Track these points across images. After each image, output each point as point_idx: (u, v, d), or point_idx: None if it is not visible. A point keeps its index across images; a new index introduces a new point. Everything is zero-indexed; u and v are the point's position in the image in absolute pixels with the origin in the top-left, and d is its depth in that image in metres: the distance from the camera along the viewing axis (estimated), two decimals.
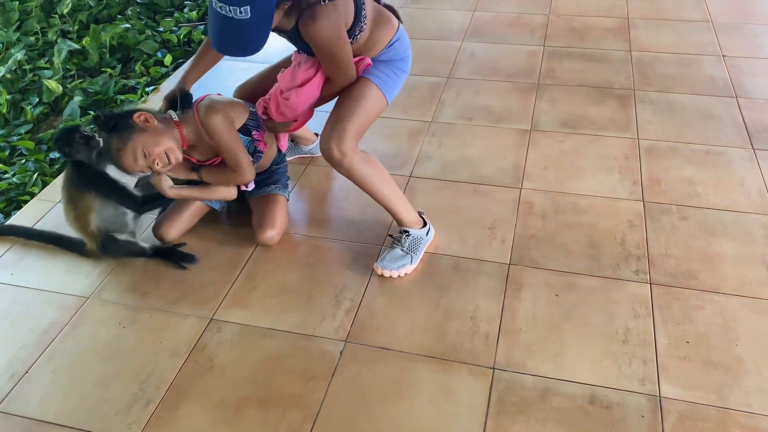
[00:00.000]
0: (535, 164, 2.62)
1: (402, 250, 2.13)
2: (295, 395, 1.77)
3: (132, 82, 3.48)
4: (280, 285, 2.12)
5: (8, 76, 3.46)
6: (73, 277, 2.18)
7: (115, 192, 2.18)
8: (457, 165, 2.63)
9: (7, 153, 2.98)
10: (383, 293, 2.08)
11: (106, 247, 2.18)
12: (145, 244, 2.24)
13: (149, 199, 2.24)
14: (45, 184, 2.68)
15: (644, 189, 2.45)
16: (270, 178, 2.35)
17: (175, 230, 2.26)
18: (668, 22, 3.73)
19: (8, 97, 3.31)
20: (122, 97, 3.31)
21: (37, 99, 3.38)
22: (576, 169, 2.58)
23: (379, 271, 2.11)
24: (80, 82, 3.49)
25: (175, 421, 1.72)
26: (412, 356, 1.87)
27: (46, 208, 2.51)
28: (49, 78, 3.45)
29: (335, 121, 2.01)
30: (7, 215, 2.56)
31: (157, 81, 3.49)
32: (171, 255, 2.22)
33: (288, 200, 2.36)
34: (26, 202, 2.58)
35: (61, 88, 3.35)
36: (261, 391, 1.79)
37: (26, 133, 3.17)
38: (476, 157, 2.67)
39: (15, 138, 3.09)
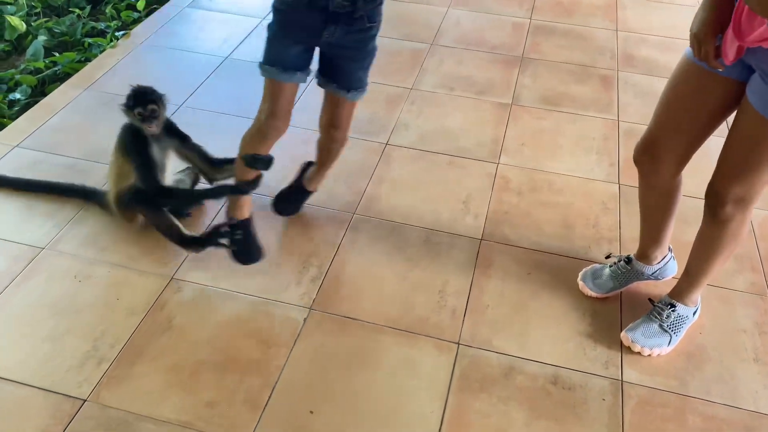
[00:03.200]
0: (513, 139, 2.57)
1: (661, 326, 1.78)
2: (255, 361, 1.72)
3: (101, 25, 3.31)
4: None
5: None
6: (27, 227, 2.08)
7: (137, 168, 1.96)
8: (435, 135, 2.57)
9: None
10: (351, 263, 2.03)
11: (129, 205, 2.01)
12: (186, 231, 2.01)
13: (168, 193, 2.01)
14: (2, 126, 2.55)
15: (621, 171, 2.43)
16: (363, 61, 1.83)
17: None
18: (658, 3, 3.68)
19: None
20: (90, 40, 3.15)
21: None
22: (554, 148, 2.54)
23: (628, 343, 1.78)
24: (45, 21, 3.31)
25: (129, 381, 1.66)
26: (378, 327, 1.83)
27: (3, 151, 2.38)
28: (12, 14, 3.26)
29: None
30: None
31: (128, 26, 3.32)
32: (202, 242, 2.01)
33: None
34: None
35: (24, 26, 3.16)
36: (219, 355, 1.73)
37: None
38: (455, 129, 2.62)
39: None
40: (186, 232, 2.00)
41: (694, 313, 1.84)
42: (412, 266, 2.02)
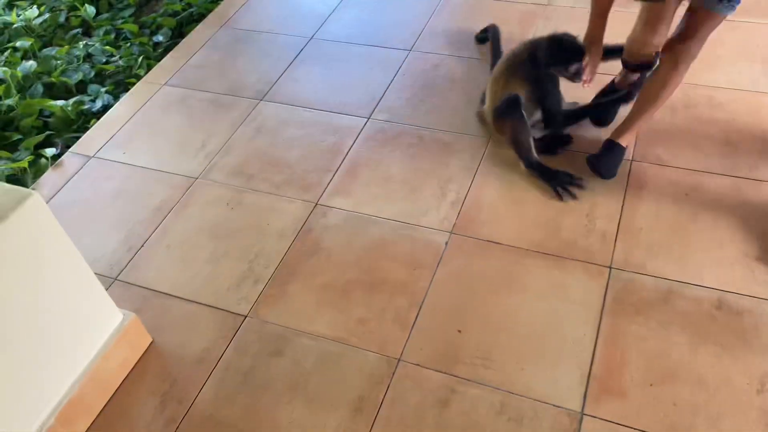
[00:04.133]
0: None
1: None
2: (401, 282, 1.75)
3: None
4: (383, 175, 2.06)
5: None
6: (180, 159, 2.21)
7: (549, 95, 1.99)
8: None
9: (112, 36, 3.00)
10: (490, 187, 1.98)
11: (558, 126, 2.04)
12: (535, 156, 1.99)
13: (568, 116, 2.06)
14: (150, 67, 2.70)
15: None
16: None
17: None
18: None
19: None
20: None
21: None
22: (713, 59, 2.30)
23: None
24: None
25: (284, 299, 1.74)
26: (522, 251, 1.78)
27: (153, 90, 2.52)
28: None
29: None
30: (116, 97, 2.60)
31: None
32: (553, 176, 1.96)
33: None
34: (133, 84, 2.61)
35: None
36: (367, 276, 1.77)
37: (129, 16, 3.17)
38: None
39: (119, 21, 3.10)
40: (535, 157, 1.98)
41: None
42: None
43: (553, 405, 1.46)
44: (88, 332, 1.54)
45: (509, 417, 1.45)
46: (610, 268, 1.71)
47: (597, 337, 1.57)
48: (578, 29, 2.45)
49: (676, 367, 1.49)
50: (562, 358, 1.54)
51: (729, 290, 1.62)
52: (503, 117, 2.01)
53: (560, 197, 1.91)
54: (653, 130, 2.06)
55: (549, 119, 2.03)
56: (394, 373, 1.55)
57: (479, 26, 2.58)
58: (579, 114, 2.11)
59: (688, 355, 1.51)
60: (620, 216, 1.83)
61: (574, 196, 1.91)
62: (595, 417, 1.43)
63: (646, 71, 1.95)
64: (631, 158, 1.99)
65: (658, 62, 1.84)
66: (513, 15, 2.62)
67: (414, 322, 1.65)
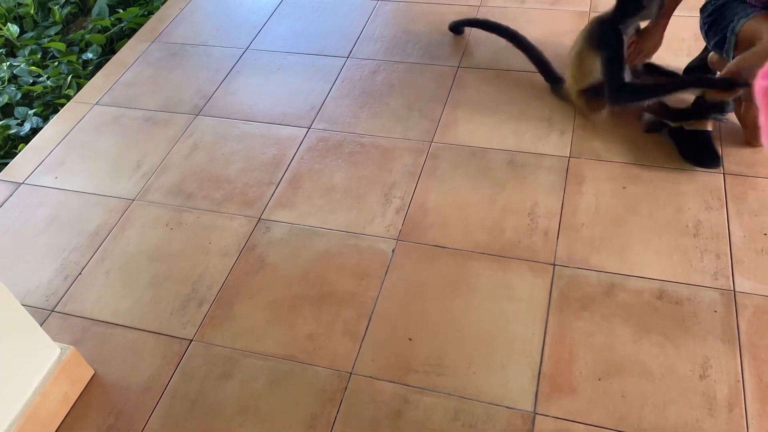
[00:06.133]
0: None
1: None
2: (349, 293, 1.73)
3: None
4: (326, 185, 2.04)
5: None
6: (116, 180, 2.14)
7: (613, 63, 1.93)
8: (508, 53, 2.43)
9: (38, 56, 2.89)
10: (434, 192, 1.98)
11: (616, 98, 1.97)
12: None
13: (632, 89, 1.97)
14: (80, 87, 2.60)
15: None
16: None
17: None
18: None
19: None
20: None
21: None
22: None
23: None
24: None
25: (231, 319, 1.70)
26: (468, 254, 1.79)
27: (84, 111, 2.44)
28: None
29: None
30: (45, 120, 2.50)
31: None
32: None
33: None
34: (62, 105, 2.51)
35: None
36: (314, 290, 1.75)
37: (56, 34, 3.06)
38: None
39: (46, 40, 2.99)
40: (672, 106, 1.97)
41: None
42: (497, 190, 1.95)
43: (506, 407, 1.47)
44: (23, 371, 1.46)
45: (463, 422, 1.45)
46: (554, 265, 1.74)
47: (545, 335, 1.59)
48: (515, 28, 2.47)
49: (622, 359, 1.52)
50: (512, 359, 1.55)
51: (669, 280, 1.67)
52: (594, 101, 2.02)
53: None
54: (589, 126, 2.11)
55: (606, 89, 1.95)
56: (346, 388, 1.53)
57: (414, 30, 2.59)
58: (650, 90, 1.97)
59: (633, 347, 1.54)
60: (561, 213, 1.86)
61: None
62: (547, 416, 1.45)
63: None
64: (568, 155, 2.03)
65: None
66: (446, 18, 2.63)
67: (364, 334, 1.64)
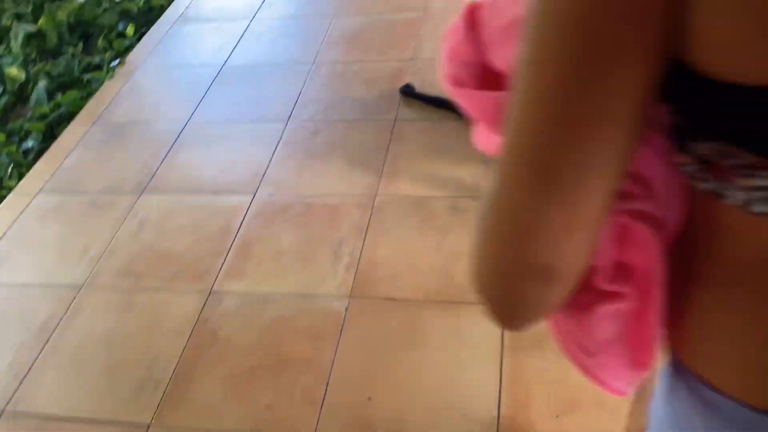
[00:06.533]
0: None
1: None
2: (306, 358, 1.73)
3: (96, 59, 3.33)
4: (275, 249, 2.06)
5: None
6: (63, 268, 2.12)
7: None
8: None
9: None
10: (382, 244, 2.01)
11: None
12: None
13: None
14: (21, 177, 2.59)
15: None
16: None
17: None
18: None
19: None
20: (88, 75, 3.17)
21: (1, 88, 3.24)
22: None
23: None
24: (43, 65, 3.34)
25: (188, 399, 1.68)
26: (420, 303, 1.82)
27: (26, 202, 2.42)
28: (9, 65, 3.31)
29: None
30: None
31: (122, 54, 3.33)
32: None
33: None
34: (3, 198, 2.49)
35: (23, 74, 3.21)
36: (270, 358, 1.74)
37: None
38: None
39: None
40: None
41: None
42: (443, 236, 2.00)
43: None
44: None
45: None
46: None
47: (501, 378, 1.61)
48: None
49: (576, 393, 1.55)
50: (471, 406, 1.56)
51: None
52: None
53: None
54: None
55: None
56: None
57: (351, 89, 2.67)
58: None
59: (586, 380, 1.57)
60: None
61: None
62: None
63: None
64: None
65: None
66: (382, 74, 2.72)
67: (323, 398, 1.63)
